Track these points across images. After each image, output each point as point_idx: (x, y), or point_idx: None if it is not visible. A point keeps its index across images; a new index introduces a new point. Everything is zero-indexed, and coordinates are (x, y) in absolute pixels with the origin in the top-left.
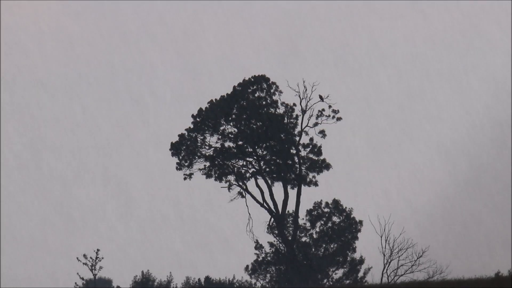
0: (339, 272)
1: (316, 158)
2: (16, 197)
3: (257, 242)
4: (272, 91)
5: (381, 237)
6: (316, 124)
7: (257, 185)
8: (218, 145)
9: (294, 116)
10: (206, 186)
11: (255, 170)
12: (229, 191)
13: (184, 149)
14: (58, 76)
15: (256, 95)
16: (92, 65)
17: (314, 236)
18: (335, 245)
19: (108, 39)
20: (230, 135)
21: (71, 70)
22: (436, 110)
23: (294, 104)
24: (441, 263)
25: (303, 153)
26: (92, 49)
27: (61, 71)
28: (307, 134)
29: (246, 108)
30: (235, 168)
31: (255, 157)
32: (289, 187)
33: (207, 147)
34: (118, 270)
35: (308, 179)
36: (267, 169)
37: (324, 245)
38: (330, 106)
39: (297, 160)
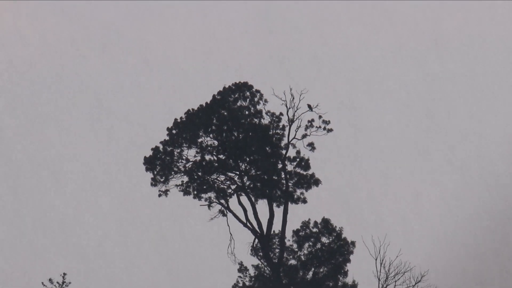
0: None
1: (304, 173)
2: None
3: (241, 264)
4: (256, 99)
5: (376, 259)
6: (305, 136)
7: (240, 203)
8: (197, 159)
9: (281, 126)
10: (183, 203)
11: (237, 186)
12: (209, 209)
13: (159, 164)
14: (50, 73)
15: (238, 104)
16: (70, 69)
17: (302, 258)
18: (325, 268)
19: (84, 44)
20: (209, 148)
21: (56, 70)
22: (431, 122)
23: (281, 114)
24: None
25: (290, 167)
26: (69, 53)
27: (56, 69)
28: (294, 146)
29: (227, 119)
30: (216, 184)
31: (237, 172)
32: (274, 205)
33: (184, 161)
34: None
35: (295, 196)
36: (251, 185)
37: (313, 269)
38: (320, 117)
39: (283, 176)
